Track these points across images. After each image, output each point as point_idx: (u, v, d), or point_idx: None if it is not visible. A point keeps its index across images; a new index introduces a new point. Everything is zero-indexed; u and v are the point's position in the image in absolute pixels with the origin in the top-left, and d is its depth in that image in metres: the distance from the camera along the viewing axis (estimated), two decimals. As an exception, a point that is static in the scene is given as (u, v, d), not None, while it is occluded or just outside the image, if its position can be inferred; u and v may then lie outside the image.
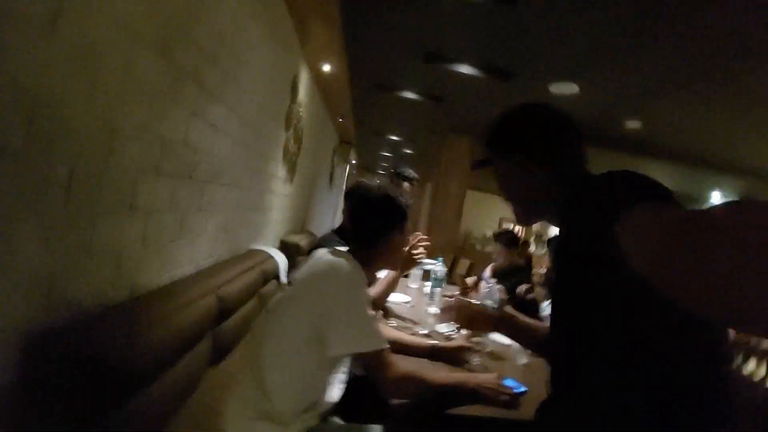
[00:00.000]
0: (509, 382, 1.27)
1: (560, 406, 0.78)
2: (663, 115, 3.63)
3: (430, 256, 4.51)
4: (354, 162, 9.86)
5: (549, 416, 0.81)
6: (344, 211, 1.21)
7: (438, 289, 2.15)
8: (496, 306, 1.30)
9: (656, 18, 2.11)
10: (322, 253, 1.13)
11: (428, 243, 1.81)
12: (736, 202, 0.39)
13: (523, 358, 1.53)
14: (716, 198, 6.78)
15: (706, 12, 1.97)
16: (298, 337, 1.01)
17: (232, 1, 1.75)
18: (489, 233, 12.14)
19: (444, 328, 1.75)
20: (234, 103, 1.97)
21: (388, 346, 1.03)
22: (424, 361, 1.34)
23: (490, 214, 12.22)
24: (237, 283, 1.80)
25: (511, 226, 12.37)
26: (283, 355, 1.02)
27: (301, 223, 4.98)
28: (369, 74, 3.76)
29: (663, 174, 5.92)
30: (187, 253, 1.69)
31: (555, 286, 0.82)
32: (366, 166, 11.68)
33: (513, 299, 2.41)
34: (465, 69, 3.14)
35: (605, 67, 2.73)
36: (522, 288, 2.55)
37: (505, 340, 1.72)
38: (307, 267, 1.15)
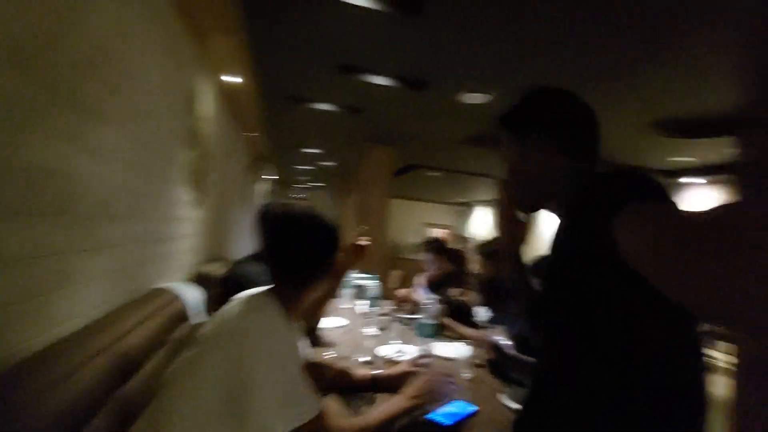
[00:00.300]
0: (457, 405, 1.20)
1: (554, 407, 0.73)
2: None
3: (361, 270, 4.40)
4: (270, 177, 9.42)
5: (544, 417, 0.75)
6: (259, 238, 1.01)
7: (376, 308, 2.06)
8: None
9: (560, 26, 2.23)
10: (236, 303, 0.94)
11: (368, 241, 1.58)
12: (733, 203, 0.41)
13: (467, 372, 1.49)
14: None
15: (602, 22, 2.15)
16: (210, 413, 0.78)
17: (112, 7, 1.49)
18: (415, 240, 12.47)
19: (385, 350, 1.66)
20: (123, 122, 1.69)
21: (323, 406, 0.88)
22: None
23: (414, 221, 12.54)
24: (140, 333, 1.51)
25: (435, 232, 12.81)
26: None
27: (217, 249, 4.55)
28: (281, 86, 3.58)
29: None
30: (73, 305, 1.38)
31: (553, 283, 0.77)
32: (284, 181, 11.26)
33: (448, 306, 2.40)
34: (380, 80, 3.12)
35: (514, 76, 2.88)
36: (453, 292, 2.54)
37: (449, 353, 1.69)
38: (217, 322, 0.92)
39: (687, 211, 0.47)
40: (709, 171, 5.44)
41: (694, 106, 3.39)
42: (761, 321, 0.34)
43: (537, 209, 0.88)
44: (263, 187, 9.83)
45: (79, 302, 1.44)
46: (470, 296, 2.52)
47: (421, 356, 1.41)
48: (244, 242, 7.33)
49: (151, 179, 2.11)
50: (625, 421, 0.63)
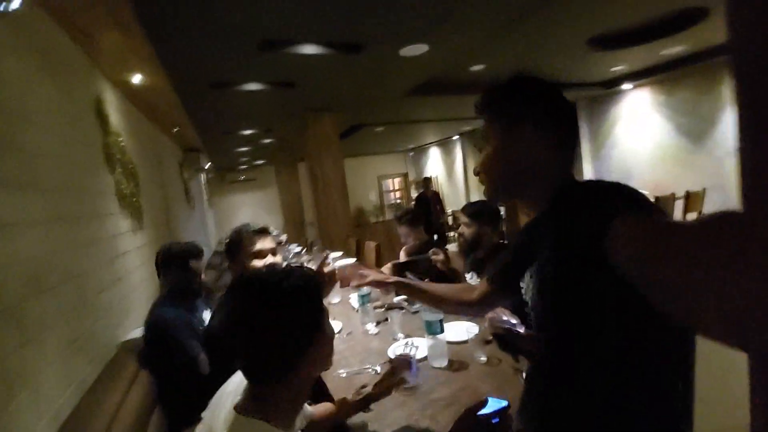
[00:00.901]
0: (490, 403, 1.16)
1: (550, 408, 0.75)
2: (501, 55, 3.92)
3: (331, 250, 4.24)
4: (207, 166, 8.76)
5: (542, 420, 0.77)
6: (223, 313, 0.77)
7: (368, 305, 1.95)
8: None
9: None
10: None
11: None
12: (721, 213, 0.38)
13: (482, 355, 1.45)
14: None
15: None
16: None
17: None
18: (374, 197, 12.36)
19: (397, 350, 1.55)
20: (28, 176, 1.37)
21: None
22: None
23: (369, 175, 12.35)
24: (123, 420, 1.32)
25: (397, 197, 12.67)
26: None
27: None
28: (197, 75, 3.14)
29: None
30: (31, 415, 1.16)
31: (543, 285, 0.75)
32: (224, 167, 10.54)
33: (432, 274, 2.35)
34: (310, 50, 2.80)
35: (450, 23, 2.68)
36: (437, 258, 2.43)
37: (460, 336, 1.61)
38: None
39: (675, 222, 0.48)
40: (640, 75, 5.68)
41: (618, 21, 3.58)
42: (751, 335, 0.33)
43: (513, 198, 0.86)
44: (204, 177, 9.16)
45: (38, 403, 1.22)
46: (455, 262, 2.47)
47: (398, 357, 1.29)
48: (200, 242, 6.91)
49: (78, 228, 1.80)
50: (621, 421, 0.65)
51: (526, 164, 0.77)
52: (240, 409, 0.74)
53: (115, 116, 2.76)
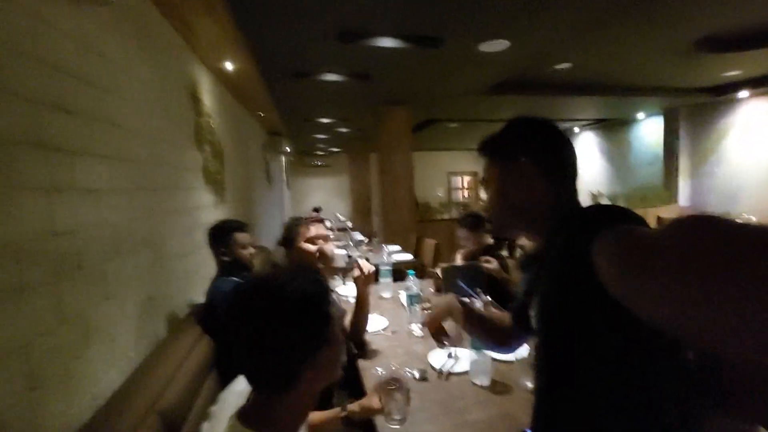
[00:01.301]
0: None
1: (557, 414, 0.75)
2: (589, 53, 3.61)
3: (391, 242, 4.26)
4: (288, 150, 9.26)
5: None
6: (230, 331, 0.74)
7: (416, 306, 1.93)
8: None
9: None
10: None
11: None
12: (692, 220, 0.38)
13: (528, 381, 1.35)
14: (641, 118, 7.08)
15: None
16: None
17: (71, 15, 1.29)
18: (441, 193, 12.20)
19: (438, 358, 1.52)
20: (118, 149, 1.54)
21: None
22: None
23: (438, 171, 12.20)
24: (182, 378, 1.44)
25: (465, 197, 12.37)
26: None
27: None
28: (282, 64, 3.31)
29: (592, 105, 6.04)
30: (104, 363, 1.32)
31: (542, 309, 0.77)
32: (302, 151, 11.07)
33: (482, 282, 2.24)
34: (388, 43, 2.80)
35: (533, 18, 2.52)
36: (486, 265, 2.30)
37: (507, 355, 1.51)
38: None
39: (652, 232, 0.47)
40: (760, 82, 4.89)
41: (739, 20, 3.12)
42: (733, 348, 0.33)
43: (517, 232, 0.90)
44: (284, 159, 9.71)
45: (115, 356, 1.39)
46: (513, 274, 2.35)
47: (391, 379, 1.11)
48: (275, 221, 7.37)
49: (162, 198, 2.00)
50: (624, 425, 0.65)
51: (524, 199, 0.80)
52: (242, 417, 0.72)
53: (207, 99, 3.02)
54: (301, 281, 0.72)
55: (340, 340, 0.79)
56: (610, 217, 0.62)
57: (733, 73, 4.62)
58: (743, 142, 5.64)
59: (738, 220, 0.41)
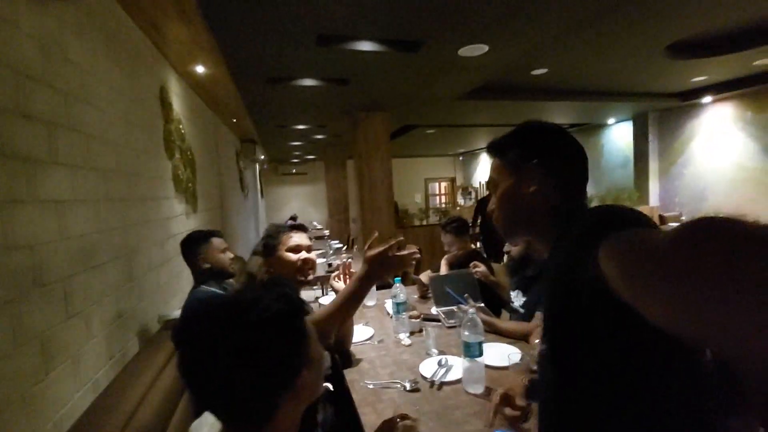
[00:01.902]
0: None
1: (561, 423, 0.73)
2: (565, 59, 3.70)
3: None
4: (263, 158, 9.09)
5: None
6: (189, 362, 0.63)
7: (403, 314, 1.88)
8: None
9: None
10: None
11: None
12: (698, 223, 0.37)
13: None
14: (611, 123, 7.32)
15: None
16: None
17: (33, 14, 1.19)
18: (419, 200, 12.24)
19: (429, 367, 1.46)
20: (84, 157, 1.44)
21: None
22: None
23: (416, 177, 12.24)
24: (154, 398, 1.34)
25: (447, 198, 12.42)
26: None
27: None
28: (256, 68, 3.21)
29: (567, 111, 6.20)
30: (68, 386, 1.20)
31: (545, 311, 0.76)
32: (278, 159, 10.90)
33: (472, 288, 2.22)
34: (366, 46, 2.76)
35: (512, 23, 2.54)
36: (480, 272, 2.31)
37: (498, 359, 1.46)
38: None
39: (658, 234, 0.45)
40: (724, 87, 5.13)
41: (706, 26, 3.22)
42: (741, 350, 0.32)
43: (524, 235, 0.89)
44: (258, 168, 9.51)
45: (77, 375, 1.27)
46: (500, 278, 2.34)
47: (398, 416, 1.03)
48: (249, 231, 7.17)
49: (131, 207, 1.88)
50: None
51: (530, 203, 0.80)
52: None
53: (177, 104, 2.90)
54: (269, 299, 0.65)
55: (319, 356, 0.72)
56: (617, 219, 0.61)
57: (700, 79, 4.82)
58: (708, 145, 5.90)
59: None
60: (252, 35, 2.53)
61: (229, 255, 2.01)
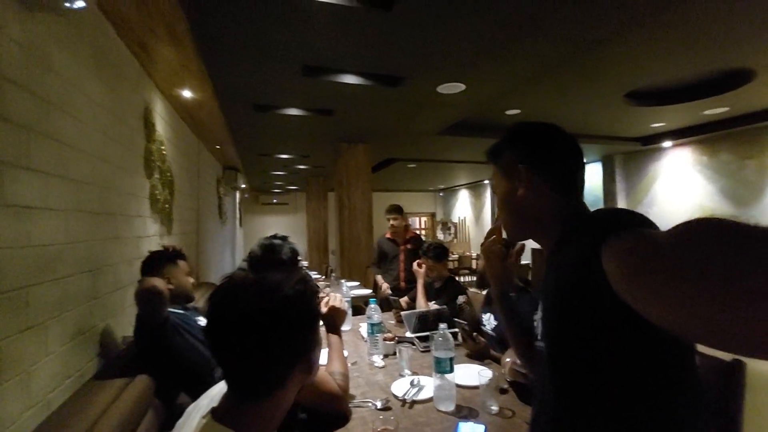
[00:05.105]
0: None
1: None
2: (536, 102, 3.93)
3: (349, 279, 4.17)
4: (244, 186, 9.06)
5: None
6: (214, 343, 0.69)
7: (378, 335, 1.86)
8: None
9: (528, 16, 2.13)
10: None
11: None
12: (698, 224, 0.38)
13: (494, 404, 1.31)
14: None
15: (572, 2, 1.99)
16: None
17: (20, 20, 1.21)
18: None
19: (401, 386, 1.44)
20: (57, 165, 1.42)
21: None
22: None
23: (394, 213, 12.33)
24: (112, 417, 1.27)
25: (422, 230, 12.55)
26: None
27: (195, 275, 4.26)
28: (243, 95, 3.29)
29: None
30: (17, 404, 1.13)
31: (546, 313, 0.76)
32: (259, 188, 10.87)
33: (454, 312, 2.23)
34: (350, 79, 2.88)
35: (486, 65, 2.72)
36: (461, 299, 2.36)
37: (471, 379, 1.47)
38: None
39: (659, 234, 0.47)
40: (680, 133, 5.51)
41: (658, 78, 3.51)
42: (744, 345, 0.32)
43: (527, 237, 0.88)
44: (238, 196, 9.45)
45: (28, 393, 1.20)
46: (475, 301, 2.35)
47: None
48: (225, 259, 7.02)
49: (103, 222, 1.84)
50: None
51: (527, 205, 0.80)
52: (216, 415, 0.67)
53: (161, 125, 2.91)
54: (294, 280, 0.72)
55: (321, 341, 0.79)
56: (619, 221, 0.62)
57: (659, 125, 5.17)
58: (671, 187, 6.25)
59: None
60: (240, 61, 2.62)
61: (192, 279, 1.95)
